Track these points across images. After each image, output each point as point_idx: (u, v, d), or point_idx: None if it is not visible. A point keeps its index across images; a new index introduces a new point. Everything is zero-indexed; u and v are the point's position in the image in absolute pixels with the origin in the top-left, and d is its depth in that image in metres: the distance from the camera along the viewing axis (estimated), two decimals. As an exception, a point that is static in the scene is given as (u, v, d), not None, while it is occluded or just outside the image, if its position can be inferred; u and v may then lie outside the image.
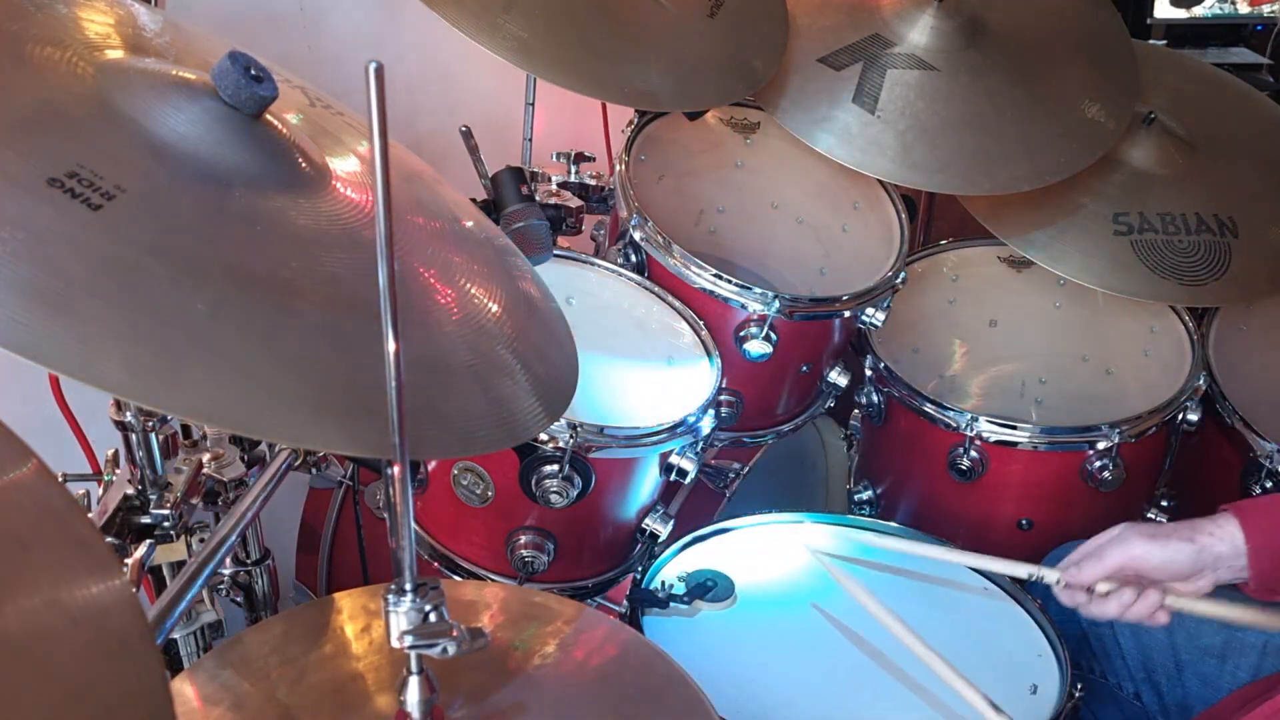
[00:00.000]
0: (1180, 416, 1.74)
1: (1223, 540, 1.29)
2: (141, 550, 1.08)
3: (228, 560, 1.28)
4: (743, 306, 1.64)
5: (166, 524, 1.13)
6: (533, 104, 1.90)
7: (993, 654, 1.40)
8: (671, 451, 1.51)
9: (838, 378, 1.82)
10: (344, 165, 0.99)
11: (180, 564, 1.15)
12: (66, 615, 0.59)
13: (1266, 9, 2.79)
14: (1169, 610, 1.31)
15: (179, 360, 0.74)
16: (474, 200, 1.32)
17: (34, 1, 0.92)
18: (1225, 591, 1.51)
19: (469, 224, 1.13)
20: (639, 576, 1.46)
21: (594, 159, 1.92)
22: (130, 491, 1.13)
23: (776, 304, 1.63)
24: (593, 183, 1.88)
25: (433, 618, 0.85)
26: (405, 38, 2.19)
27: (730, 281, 1.64)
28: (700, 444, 1.53)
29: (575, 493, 1.42)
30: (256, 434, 1.06)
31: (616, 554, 1.65)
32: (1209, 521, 1.30)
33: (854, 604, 1.46)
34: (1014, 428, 1.69)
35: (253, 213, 0.86)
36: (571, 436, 1.39)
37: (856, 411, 1.95)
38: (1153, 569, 1.29)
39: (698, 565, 1.47)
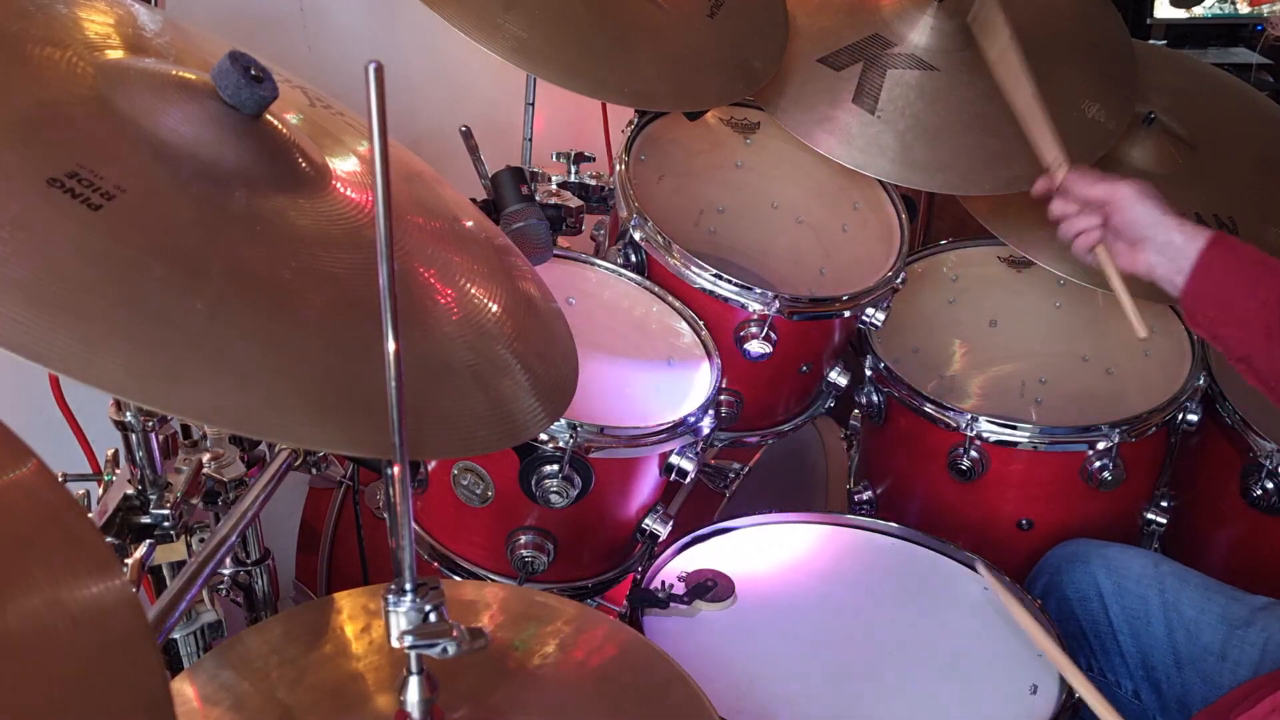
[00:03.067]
0: (1180, 416, 1.74)
1: (1185, 237, 1.42)
2: (141, 550, 1.08)
3: (228, 560, 1.28)
4: (743, 306, 1.64)
5: (166, 524, 1.13)
6: (533, 104, 1.90)
7: (993, 654, 1.40)
8: (671, 451, 1.51)
9: (838, 378, 1.82)
10: (344, 165, 0.99)
11: (180, 564, 1.15)
12: (66, 615, 0.59)
13: (1266, 9, 2.79)
14: (1093, 252, 1.50)
15: (179, 360, 0.74)
16: (474, 200, 1.32)
17: (34, 1, 0.92)
18: (1221, 589, 1.52)
19: (469, 224, 1.13)
20: (639, 576, 1.46)
21: (594, 159, 1.92)
22: (130, 491, 1.13)
23: (776, 304, 1.63)
24: (593, 183, 1.88)
25: (433, 618, 0.85)
26: (405, 38, 2.19)
27: (730, 281, 1.64)
28: (700, 444, 1.53)
29: (575, 493, 1.42)
30: (256, 434, 1.06)
31: (616, 554, 1.65)
32: (1193, 223, 1.44)
33: (854, 604, 1.46)
34: (1014, 428, 1.69)
35: (253, 213, 0.86)
36: (571, 436, 1.39)
37: (856, 411, 1.95)
38: (1121, 214, 1.45)
39: (698, 565, 1.47)
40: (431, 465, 1.52)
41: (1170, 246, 1.43)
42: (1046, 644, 1.28)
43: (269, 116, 0.91)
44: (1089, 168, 1.53)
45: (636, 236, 1.68)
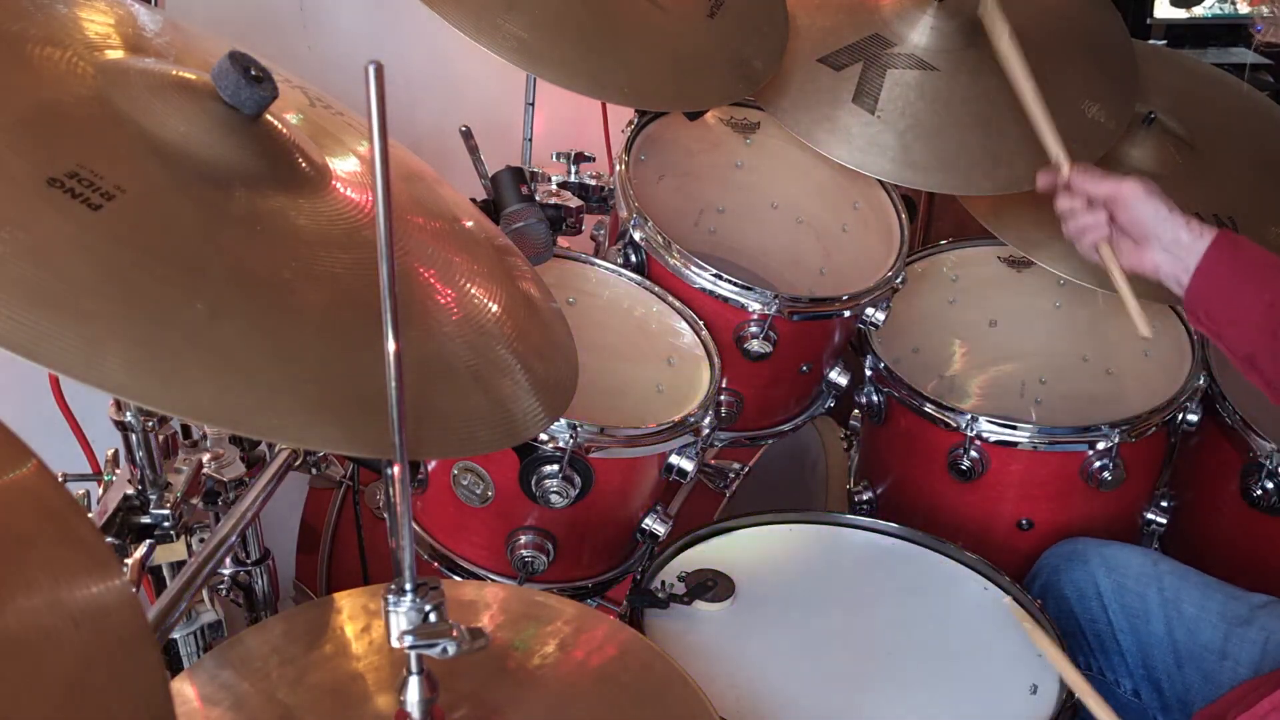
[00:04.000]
0: (1180, 416, 1.74)
1: (1191, 235, 1.42)
2: (141, 550, 1.08)
3: (228, 560, 1.28)
4: (743, 306, 1.64)
5: (166, 524, 1.13)
6: (533, 104, 1.90)
7: (993, 653, 1.40)
8: (671, 451, 1.51)
9: (838, 378, 1.82)
10: (344, 165, 0.99)
11: (180, 564, 1.15)
12: (66, 615, 0.59)
13: (1266, 9, 2.79)
14: (1098, 249, 1.49)
15: (179, 360, 0.74)
16: (474, 200, 1.32)
17: (34, 1, 0.92)
18: (1221, 588, 1.52)
19: (469, 224, 1.13)
20: (639, 576, 1.46)
21: (594, 159, 1.92)
22: (130, 491, 1.13)
23: (776, 304, 1.63)
24: (593, 183, 1.88)
25: (433, 618, 0.85)
26: (405, 38, 2.19)
27: (730, 281, 1.64)
28: (700, 444, 1.53)
29: (575, 493, 1.42)
30: (256, 434, 1.06)
31: (616, 554, 1.65)
32: (1202, 223, 1.43)
33: (854, 604, 1.46)
34: (1014, 428, 1.68)
35: (253, 213, 0.86)
36: (571, 436, 1.39)
37: (856, 411, 1.95)
38: (1127, 211, 1.45)
39: (698, 565, 1.47)
40: (431, 465, 1.52)
41: (1176, 244, 1.42)
42: (1067, 669, 1.29)
43: (269, 116, 0.91)
44: (1093, 165, 1.53)
45: (636, 236, 1.68)
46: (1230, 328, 1.40)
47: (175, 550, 1.14)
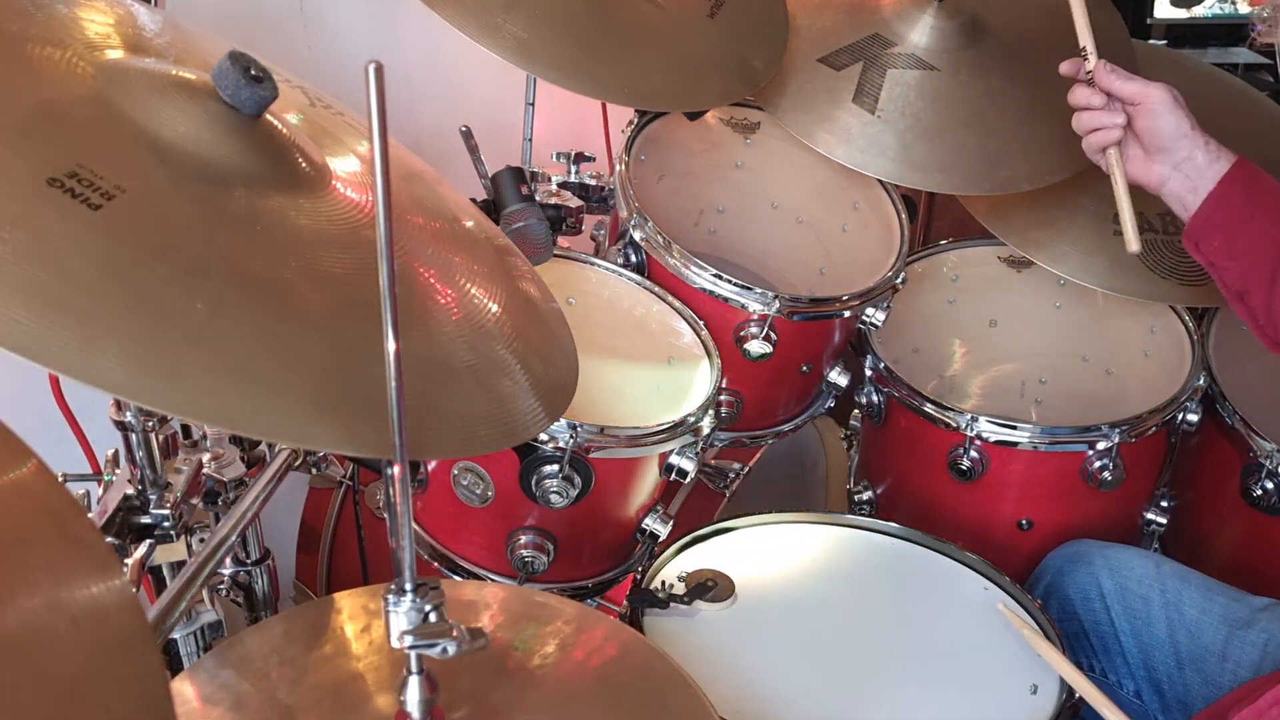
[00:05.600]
0: (1180, 416, 1.74)
1: (1209, 157, 1.37)
2: (141, 550, 1.08)
3: (228, 560, 1.28)
4: (743, 306, 1.64)
5: (166, 524, 1.13)
6: (533, 104, 1.90)
7: (993, 654, 1.40)
8: (671, 451, 1.51)
9: (838, 378, 1.82)
10: (344, 165, 0.99)
11: (180, 564, 1.15)
12: (66, 615, 0.59)
13: (1266, 9, 2.79)
14: (1106, 152, 1.41)
15: (179, 360, 0.74)
16: (474, 200, 1.32)
17: (34, 1, 0.92)
18: (1223, 590, 1.52)
19: (469, 224, 1.13)
20: (639, 576, 1.45)
21: (594, 159, 1.92)
22: (130, 491, 1.13)
23: (776, 304, 1.63)
24: (593, 183, 1.88)
25: (433, 618, 0.85)
26: (405, 38, 2.19)
27: (730, 281, 1.64)
28: (700, 444, 1.53)
29: (575, 493, 1.42)
30: (256, 434, 1.06)
31: (616, 554, 1.65)
32: (1220, 145, 1.38)
33: (854, 604, 1.46)
34: (1014, 428, 1.68)
35: (253, 213, 0.86)
36: (571, 436, 1.39)
37: (856, 411, 1.95)
38: (1149, 119, 1.38)
39: (698, 565, 1.47)
40: (431, 465, 1.52)
41: (1190, 164, 1.37)
42: (1068, 670, 1.29)
43: (269, 116, 0.91)
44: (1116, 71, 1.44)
45: (636, 236, 1.68)
46: (1229, 259, 1.35)
47: (175, 550, 1.14)
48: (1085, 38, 1.46)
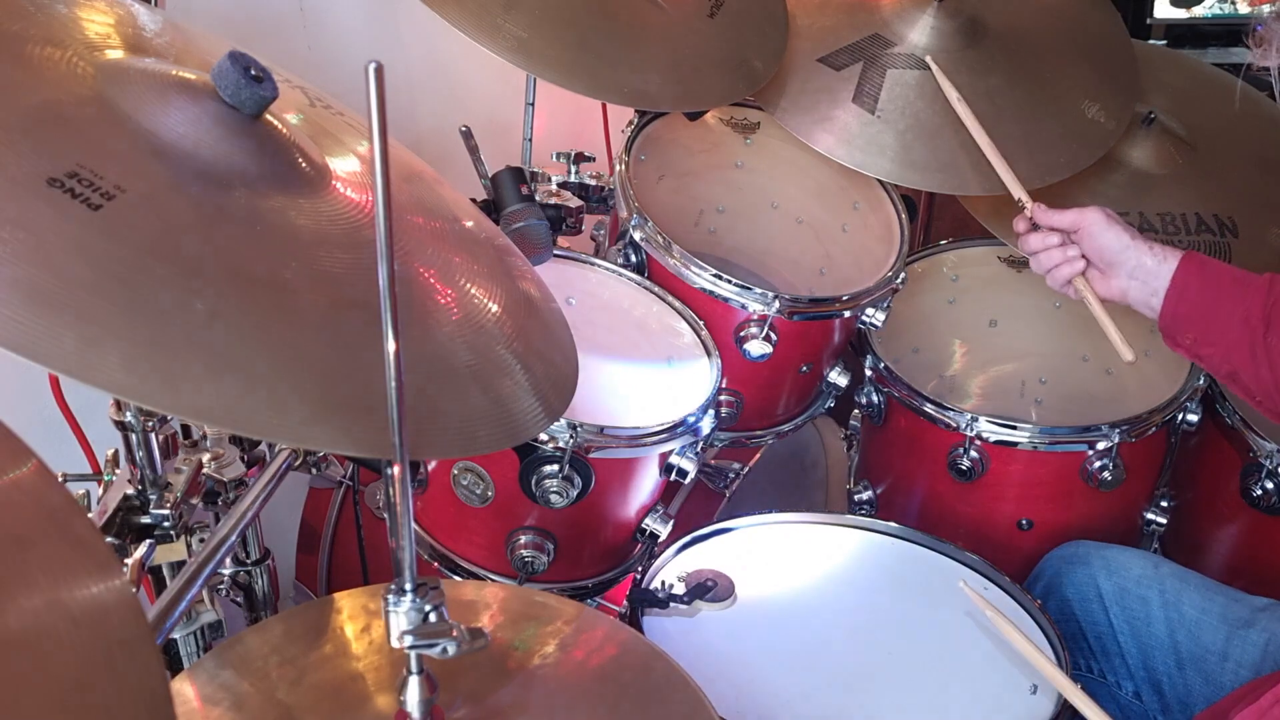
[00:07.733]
0: (1180, 416, 1.74)
1: (1156, 259, 1.44)
2: (141, 550, 1.08)
3: (228, 560, 1.28)
4: (743, 306, 1.64)
5: (166, 524, 1.13)
6: (533, 104, 1.90)
7: (993, 654, 1.40)
8: (671, 451, 1.51)
9: (838, 378, 1.82)
10: (344, 165, 0.99)
11: (180, 564, 1.15)
12: (66, 615, 0.59)
13: (1267, 9, 2.79)
14: (1073, 282, 1.51)
15: (179, 360, 0.74)
16: (474, 200, 1.32)
17: (34, 1, 0.92)
18: (1222, 590, 1.52)
19: (469, 224, 1.13)
20: (639, 576, 1.45)
21: (594, 159, 1.92)
22: (130, 491, 1.13)
23: (776, 304, 1.63)
24: (593, 183, 1.88)
25: (433, 618, 0.85)
26: (405, 38, 2.19)
27: (730, 281, 1.64)
28: (700, 444, 1.53)
29: (575, 493, 1.42)
30: (256, 434, 1.06)
31: (616, 554, 1.65)
32: (1162, 245, 1.46)
33: (854, 604, 1.46)
34: (1014, 428, 1.69)
35: (253, 213, 0.86)
36: (571, 436, 1.39)
37: (856, 411, 1.95)
38: (1091, 240, 1.47)
39: (698, 565, 1.47)
40: (431, 465, 1.52)
41: (1142, 269, 1.45)
42: (1032, 652, 1.29)
43: (269, 116, 0.91)
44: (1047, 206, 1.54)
45: (636, 236, 1.68)
46: (1208, 346, 1.42)
47: (175, 550, 1.14)
48: (1015, 190, 1.57)
